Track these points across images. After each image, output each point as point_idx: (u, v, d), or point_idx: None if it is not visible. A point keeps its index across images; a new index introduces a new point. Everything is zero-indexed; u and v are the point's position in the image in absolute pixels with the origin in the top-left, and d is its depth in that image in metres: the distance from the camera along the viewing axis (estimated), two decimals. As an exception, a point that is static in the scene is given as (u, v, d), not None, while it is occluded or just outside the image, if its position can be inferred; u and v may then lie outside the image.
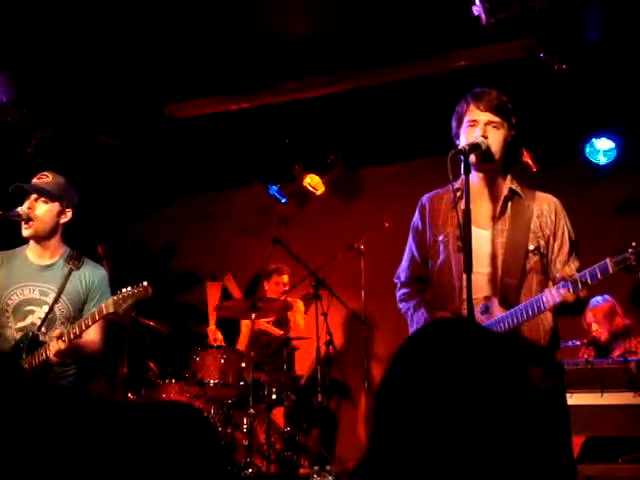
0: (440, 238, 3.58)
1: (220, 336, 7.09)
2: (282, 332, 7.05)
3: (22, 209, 4.20)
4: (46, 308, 4.16)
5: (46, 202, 4.22)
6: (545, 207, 3.50)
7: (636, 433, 4.91)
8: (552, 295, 3.18)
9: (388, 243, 7.34)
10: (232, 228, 8.54)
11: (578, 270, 3.33)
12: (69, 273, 4.22)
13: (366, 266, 7.04)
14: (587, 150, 7.03)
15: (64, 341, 3.92)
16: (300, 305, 7.39)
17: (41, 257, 4.28)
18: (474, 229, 3.37)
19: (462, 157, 3.30)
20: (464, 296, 3.24)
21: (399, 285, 3.85)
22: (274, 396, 6.38)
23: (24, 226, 4.20)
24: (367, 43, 6.22)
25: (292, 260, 7.03)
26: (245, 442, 6.04)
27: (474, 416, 1.39)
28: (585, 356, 5.86)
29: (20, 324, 4.17)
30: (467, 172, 3.25)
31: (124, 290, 3.98)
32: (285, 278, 7.39)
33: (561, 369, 3.53)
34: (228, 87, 6.92)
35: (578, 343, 6.27)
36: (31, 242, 4.31)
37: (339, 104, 7.00)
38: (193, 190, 8.68)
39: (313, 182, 8.01)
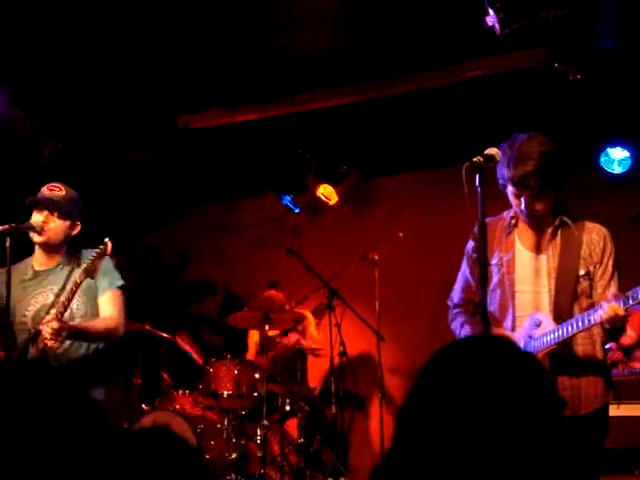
0: (493, 262, 3.75)
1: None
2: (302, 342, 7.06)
3: (36, 221, 4.23)
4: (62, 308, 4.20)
5: (59, 217, 4.26)
6: (594, 237, 3.66)
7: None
8: (603, 309, 3.29)
9: (402, 253, 7.36)
10: (246, 239, 8.53)
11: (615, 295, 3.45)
12: (71, 271, 4.27)
13: (380, 276, 7.01)
14: (602, 160, 7.01)
15: (54, 319, 3.93)
16: (310, 317, 7.34)
17: (46, 265, 4.34)
18: (524, 251, 3.69)
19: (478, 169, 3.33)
20: (517, 314, 3.61)
21: (451, 307, 3.99)
22: (288, 407, 6.37)
23: (37, 235, 4.23)
24: (380, 54, 6.21)
25: (306, 271, 7.00)
26: (259, 454, 6.01)
27: (498, 431, 1.39)
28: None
29: None
30: (482, 184, 3.27)
31: (90, 256, 4.02)
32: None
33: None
34: (241, 98, 6.92)
35: (610, 346, 6.26)
36: (37, 251, 4.36)
37: (353, 114, 6.99)
38: (206, 201, 8.69)
39: (326, 192, 8.00)
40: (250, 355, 7.24)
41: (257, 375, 6.31)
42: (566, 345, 3.47)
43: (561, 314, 3.50)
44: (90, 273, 3.97)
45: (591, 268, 3.59)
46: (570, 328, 3.39)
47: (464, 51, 6.15)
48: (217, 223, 8.71)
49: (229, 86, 6.67)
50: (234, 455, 6.01)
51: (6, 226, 4.23)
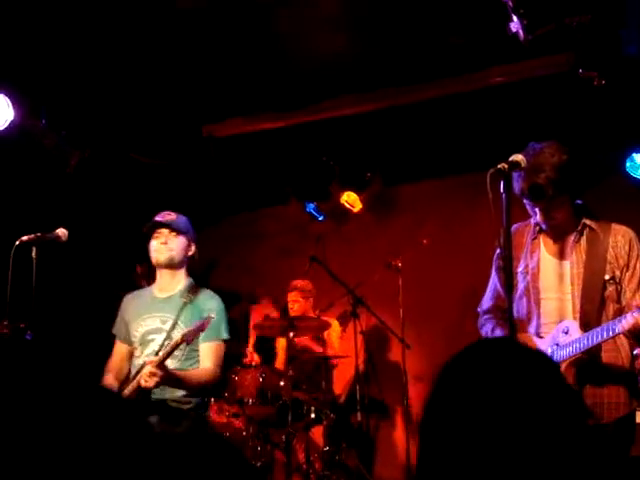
0: (519, 269, 3.75)
1: (257, 358, 7.09)
2: (321, 349, 7.04)
3: (62, 231, 4.30)
4: (164, 335, 4.34)
5: (177, 236, 4.45)
6: (620, 239, 3.62)
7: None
8: (627, 320, 3.27)
9: (426, 260, 7.34)
10: (269, 247, 8.53)
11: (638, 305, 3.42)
12: (184, 304, 4.40)
13: (404, 283, 7.00)
14: (627, 165, 6.96)
15: (156, 362, 4.07)
16: (335, 325, 7.32)
17: (164, 289, 4.51)
18: (548, 257, 3.68)
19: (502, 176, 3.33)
20: (542, 321, 3.61)
21: (481, 313, 4.01)
22: (313, 415, 6.36)
23: (161, 252, 4.42)
24: (403, 60, 6.21)
25: (330, 278, 7.00)
26: (284, 461, 6.02)
27: (518, 434, 1.38)
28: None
29: (145, 352, 4.38)
30: (507, 191, 3.26)
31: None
32: (292, 296, 7.37)
33: None
34: (265, 106, 6.94)
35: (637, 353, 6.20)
36: (158, 277, 4.54)
37: (376, 121, 6.99)
38: (231, 210, 8.69)
39: (350, 199, 8.00)
40: (279, 364, 7.24)
41: (282, 383, 6.32)
42: (592, 353, 3.45)
43: (588, 321, 3.48)
44: (187, 340, 4.09)
45: (617, 272, 3.56)
46: (595, 337, 3.37)
47: (488, 57, 6.15)
48: (241, 231, 8.72)
49: (252, 94, 6.69)
50: (259, 463, 6.02)
51: (32, 236, 4.29)
